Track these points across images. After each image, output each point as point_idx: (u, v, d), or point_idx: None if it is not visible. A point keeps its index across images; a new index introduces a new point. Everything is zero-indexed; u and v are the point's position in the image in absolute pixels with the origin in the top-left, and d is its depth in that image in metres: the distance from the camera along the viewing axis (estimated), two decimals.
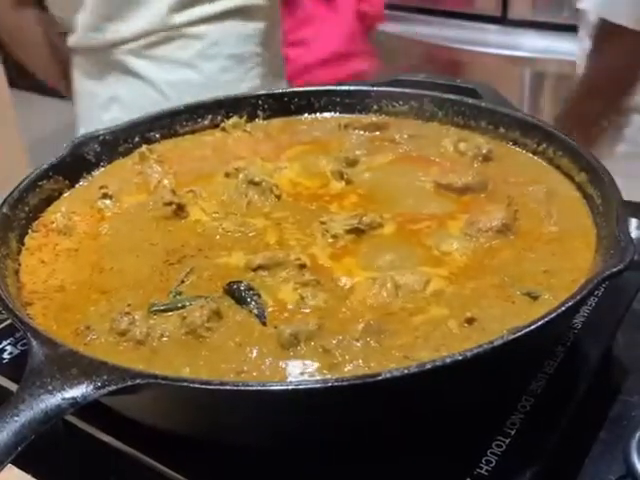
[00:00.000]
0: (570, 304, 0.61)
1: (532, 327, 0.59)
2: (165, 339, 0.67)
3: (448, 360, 0.56)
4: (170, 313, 0.70)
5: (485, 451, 0.64)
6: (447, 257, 0.76)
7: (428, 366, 0.55)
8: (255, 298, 0.71)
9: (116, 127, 1.00)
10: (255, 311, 0.69)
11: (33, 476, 0.77)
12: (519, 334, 0.58)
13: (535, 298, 0.69)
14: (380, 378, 0.55)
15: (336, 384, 0.54)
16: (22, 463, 0.74)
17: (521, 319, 0.66)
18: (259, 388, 0.55)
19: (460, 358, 0.56)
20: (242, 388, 0.55)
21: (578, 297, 0.62)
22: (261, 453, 0.63)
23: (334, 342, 0.64)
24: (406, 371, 0.55)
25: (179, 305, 0.71)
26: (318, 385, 0.55)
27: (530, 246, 0.77)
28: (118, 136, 1.00)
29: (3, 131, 2.94)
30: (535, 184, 0.88)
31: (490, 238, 0.78)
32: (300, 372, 0.62)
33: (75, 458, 0.74)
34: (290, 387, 0.55)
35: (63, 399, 0.55)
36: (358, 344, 0.64)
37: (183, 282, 0.74)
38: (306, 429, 0.61)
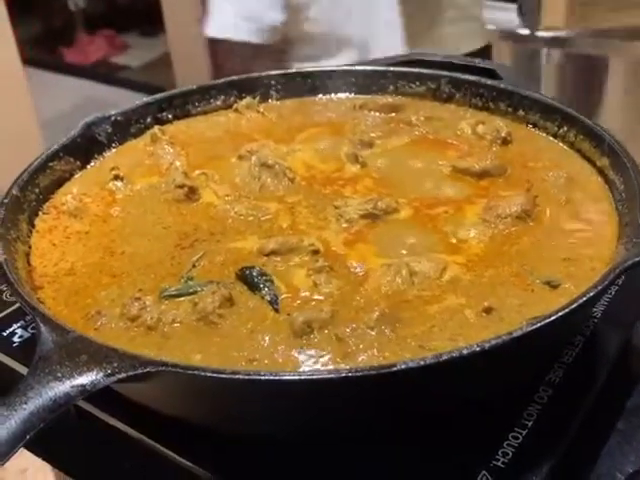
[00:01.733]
0: (591, 294, 0.60)
1: (552, 318, 0.57)
2: (176, 325, 0.66)
3: (465, 351, 0.54)
4: (181, 298, 0.69)
5: (502, 443, 0.63)
6: (464, 244, 0.74)
7: (445, 357, 0.54)
8: (268, 284, 0.69)
9: (128, 108, 0.99)
10: (268, 297, 0.68)
11: (44, 460, 0.77)
12: (539, 325, 0.57)
13: (555, 287, 0.67)
14: (395, 369, 0.53)
15: (350, 375, 0.53)
16: (34, 448, 0.74)
17: (540, 309, 0.64)
18: (271, 378, 0.53)
19: (478, 349, 0.54)
20: (254, 377, 0.54)
21: (599, 287, 0.60)
22: (272, 443, 0.62)
23: (348, 330, 0.63)
24: (422, 362, 0.53)
25: (191, 290, 0.70)
26: (331, 375, 0.54)
27: (550, 233, 0.75)
28: (130, 117, 0.98)
29: (17, 109, 2.93)
30: (555, 169, 0.86)
31: (509, 224, 0.76)
32: (313, 361, 0.61)
33: (87, 443, 0.73)
34: (303, 377, 0.54)
35: (72, 386, 0.54)
36: (372, 333, 0.63)
37: (195, 267, 0.73)
38: (319, 419, 0.60)
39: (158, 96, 1.02)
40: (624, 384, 0.77)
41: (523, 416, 0.65)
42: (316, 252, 0.73)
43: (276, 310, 0.67)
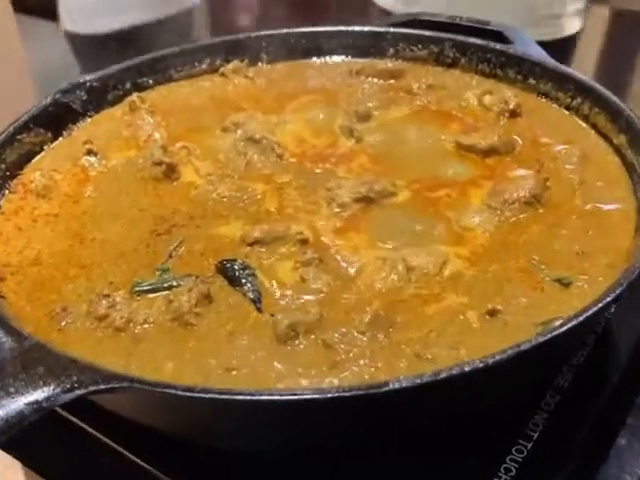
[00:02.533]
0: (608, 300, 0.53)
1: (564, 328, 0.51)
2: (148, 326, 0.60)
3: (467, 368, 0.48)
4: (155, 294, 0.63)
5: (504, 458, 0.57)
6: (468, 233, 0.67)
7: (443, 375, 0.48)
8: (250, 279, 0.63)
9: (104, 72, 0.91)
10: (250, 295, 0.62)
11: (15, 458, 0.72)
12: (549, 337, 0.50)
13: (566, 285, 0.61)
14: (387, 389, 0.47)
15: (337, 395, 0.47)
16: (5, 446, 0.68)
17: (550, 311, 0.58)
18: (247, 398, 0.47)
19: (481, 365, 0.48)
20: (227, 397, 0.48)
21: (617, 291, 0.54)
22: (251, 457, 0.57)
23: (337, 336, 0.57)
24: (418, 381, 0.47)
25: (166, 285, 0.63)
26: (316, 396, 0.47)
27: (561, 221, 0.68)
28: (106, 82, 0.91)
29: (7, 59, 2.82)
30: (568, 146, 0.78)
31: (517, 211, 0.69)
32: (297, 372, 0.54)
33: (60, 446, 0.67)
34: (283, 398, 0.48)
35: (26, 404, 0.48)
36: (364, 338, 0.57)
37: (171, 257, 0.67)
38: (301, 437, 0.54)
39: (138, 60, 0.95)
40: (633, 380, 0.71)
41: (528, 426, 0.60)
42: (304, 242, 0.66)
43: (258, 309, 0.60)
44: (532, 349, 0.50)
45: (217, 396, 0.48)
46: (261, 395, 0.48)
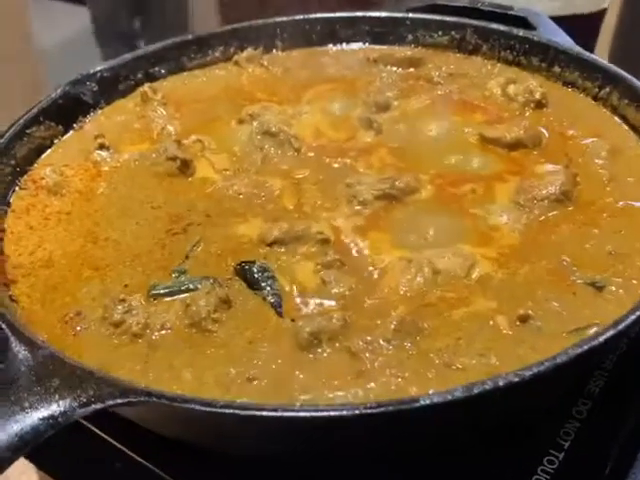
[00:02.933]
0: None
1: (601, 339, 0.49)
2: (165, 332, 0.58)
3: (501, 382, 0.46)
4: (172, 298, 0.61)
5: (535, 469, 0.55)
6: (495, 233, 0.65)
7: (476, 390, 0.46)
8: (270, 282, 0.61)
9: (116, 62, 0.88)
10: (270, 299, 0.59)
11: (34, 465, 0.70)
12: (586, 348, 0.48)
13: (600, 289, 0.58)
14: (417, 405, 0.45)
15: (365, 412, 0.45)
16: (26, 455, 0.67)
17: (584, 317, 0.56)
18: (269, 414, 0.45)
19: (516, 380, 0.46)
20: (249, 414, 0.45)
21: None
22: (264, 463, 0.55)
23: (361, 343, 0.54)
24: (449, 396, 0.45)
25: (183, 288, 0.61)
26: (343, 412, 0.45)
27: (592, 219, 0.65)
28: (118, 72, 0.89)
29: (17, 39, 2.79)
30: (597, 139, 0.75)
31: (546, 209, 0.66)
32: (321, 382, 0.52)
33: (77, 452, 0.65)
34: (308, 414, 0.45)
35: (41, 419, 0.46)
36: (390, 346, 0.54)
37: (188, 257, 0.65)
38: (323, 447, 0.52)
39: (150, 48, 0.92)
40: None
41: (560, 436, 0.58)
42: (325, 242, 0.64)
43: (279, 314, 0.58)
44: (569, 361, 0.47)
45: (239, 412, 0.46)
46: (285, 411, 0.46)
